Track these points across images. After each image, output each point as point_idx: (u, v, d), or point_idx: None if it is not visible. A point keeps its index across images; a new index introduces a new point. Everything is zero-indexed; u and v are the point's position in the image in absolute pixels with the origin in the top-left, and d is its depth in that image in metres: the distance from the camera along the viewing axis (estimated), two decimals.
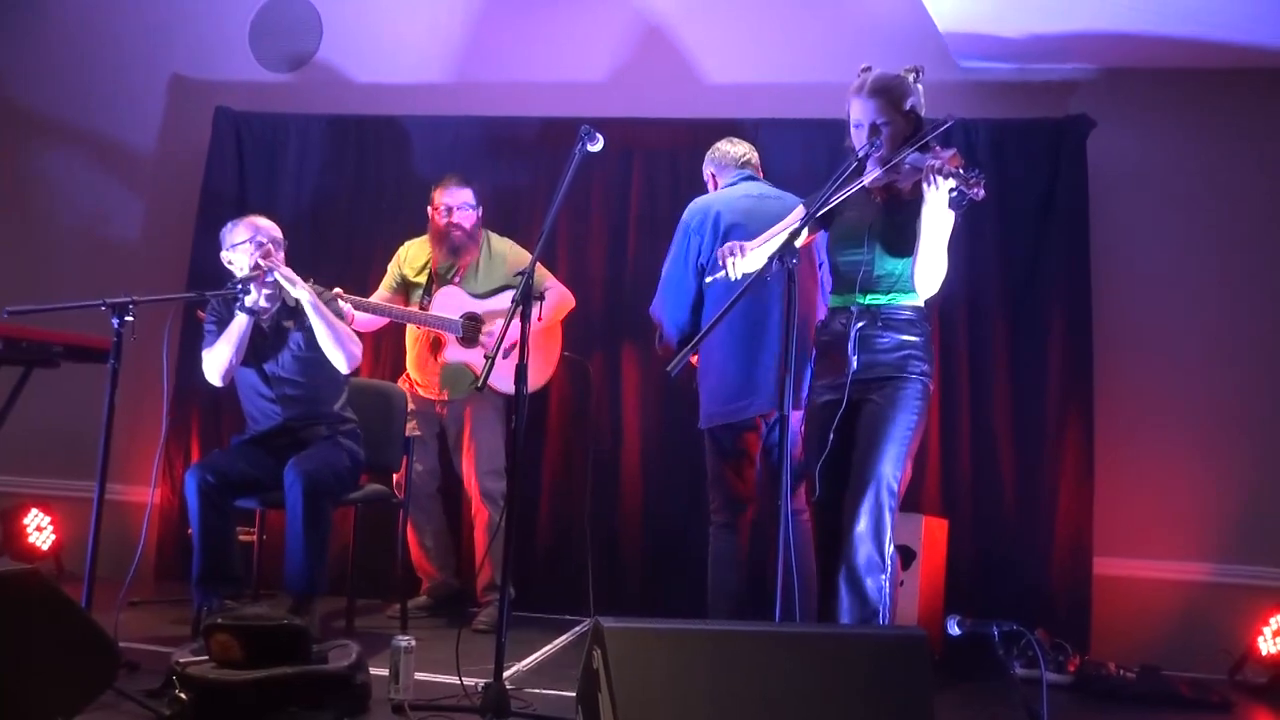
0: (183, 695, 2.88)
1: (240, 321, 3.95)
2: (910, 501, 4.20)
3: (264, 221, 4.11)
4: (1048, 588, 4.47)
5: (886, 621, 3.11)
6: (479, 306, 4.52)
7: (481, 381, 3.18)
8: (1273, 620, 4.25)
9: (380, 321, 4.66)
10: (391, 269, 4.69)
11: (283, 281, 3.97)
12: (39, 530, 5.14)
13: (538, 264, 4.58)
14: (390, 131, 5.25)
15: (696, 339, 3.10)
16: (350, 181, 5.25)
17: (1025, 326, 4.64)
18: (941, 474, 4.60)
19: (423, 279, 4.60)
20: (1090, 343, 4.57)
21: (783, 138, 4.86)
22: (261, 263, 3.95)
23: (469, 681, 3.17)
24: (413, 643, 3.18)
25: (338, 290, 4.31)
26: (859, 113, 3.22)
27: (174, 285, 5.02)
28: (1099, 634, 4.40)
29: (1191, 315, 4.68)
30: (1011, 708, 3.53)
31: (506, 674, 3.15)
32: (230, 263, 4.06)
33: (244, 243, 4.02)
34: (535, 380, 4.57)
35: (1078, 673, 4.03)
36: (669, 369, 2.94)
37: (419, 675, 3.24)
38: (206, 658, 2.98)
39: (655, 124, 5.02)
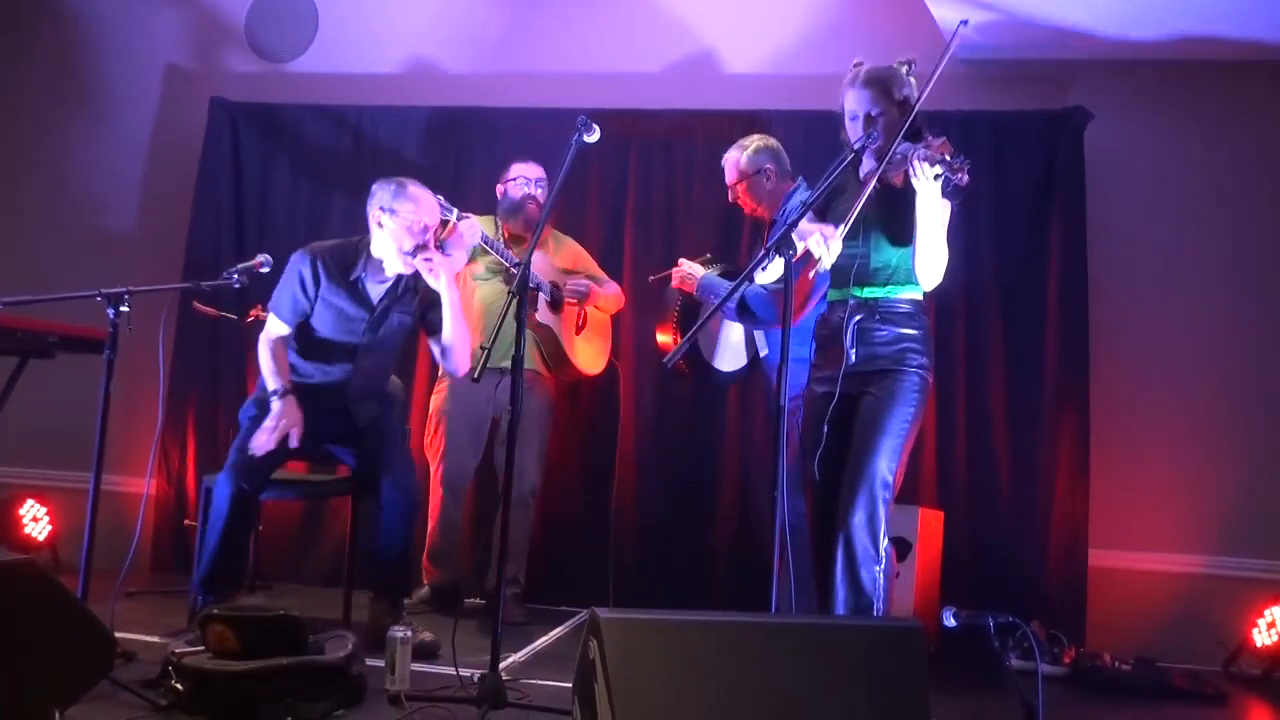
0: (178, 685, 2.88)
1: (274, 406, 3.76)
2: (907, 493, 4.21)
3: (430, 200, 3.85)
4: (1043, 580, 4.48)
5: (881, 613, 3.11)
6: (561, 280, 4.54)
7: (479, 372, 3.17)
8: (1267, 612, 4.26)
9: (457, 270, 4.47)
10: None
11: (444, 282, 3.80)
12: (35, 521, 5.13)
13: (592, 261, 4.69)
14: (386, 121, 5.24)
15: (695, 328, 3.09)
16: (346, 172, 5.23)
17: (1021, 319, 4.64)
18: (938, 466, 4.61)
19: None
20: (1086, 335, 4.57)
21: (784, 129, 4.85)
22: (422, 264, 3.77)
23: (465, 672, 3.17)
24: (410, 634, 3.18)
25: (478, 225, 4.25)
26: (853, 104, 3.22)
27: (170, 276, 5.01)
28: (1094, 626, 4.42)
29: (1187, 308, 4.69)
30: (1007, 699, 3.54)
31: (503, 665, 3.15)
32: (380, 224, 3.81)
33: (409, 218, 3.78)
34: (595, 366, 4.65)
35: (1073, 664, 4.04)
36: (666, 361, 2.94)
37: (415, 666, 3.25)
38: (202, 648, 2.98)
39: (651, 115, 5.01)
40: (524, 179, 4.54)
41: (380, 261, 3.86)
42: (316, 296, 3.84)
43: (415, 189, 3.83)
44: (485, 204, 4.72)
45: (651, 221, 4.99)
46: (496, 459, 4.56)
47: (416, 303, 3.97)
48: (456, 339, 3.87)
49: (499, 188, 4.62)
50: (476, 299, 4.50)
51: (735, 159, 4.18)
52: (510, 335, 4.22)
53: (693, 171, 4.93)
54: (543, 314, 4.44)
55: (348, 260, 3.88)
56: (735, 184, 4.18)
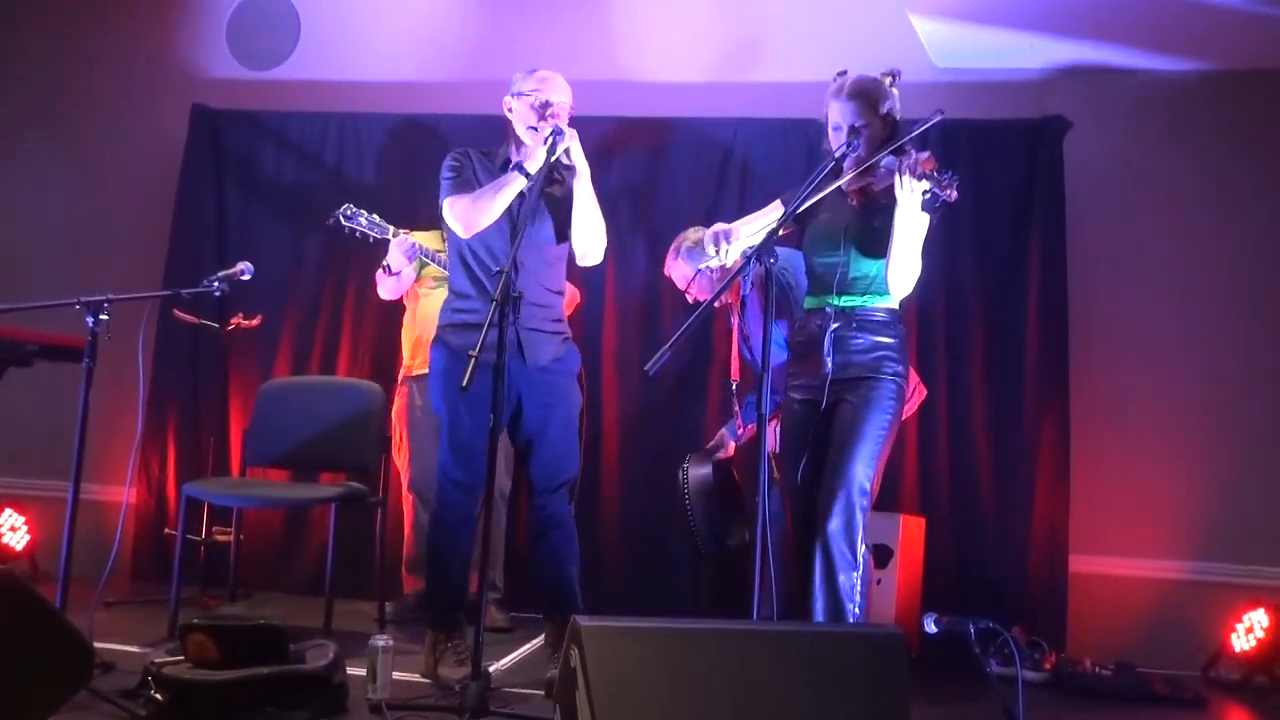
0: (158, 695, 2.87)
1: (516, 183, 3.43)
2: (888, 500, 4.22)
3: (557, 81, 3.65)
4: (1024, 586, 4.49)
5: (860, 619, 3.12)
6: None
7: (466, 381, 3.16)
8: (1246, 617, 4.29)
9: (405, 288, 4.54)
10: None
11: (576, 154, 3.49)
12: (13, 530, 5.10)
13: None
14: (368, 128, 5.23)
15: (674, 338, 3.08)
16: (329, 180, 5.22)
17: (1002, 326, 4.66)
18: (919, 472, 4.62)
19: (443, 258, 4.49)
20: (1066, 342, 4.59)
21: (761, 137, 4.88)
22: (547, 126, 3.45)
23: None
24: (391, 642, 3.17)
25: (404, 231, 4.25)
26: (837, 115, 3.24)
27: (150, 284, 4.98)
28: (1075, 631, 4.43)
29: (1166, 314, 4.71)
30: (988, 705, 3.55)
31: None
32: (510, 111, 3.63)
33: (531, 94, 3.57)
34: None
35: (1054, 670, 4.06)
36: (648, 368, 2.94)
37: (397, 675, 3.24)
38: (182, 658, 2.97)
39: (632, 122, 5.02)
40: None
41: (523, 151, 3.56)
42: (479, 183, 3.56)
43: (543, 71, 3.65)
44: None
45: (634, 228, 5.00)
46: None
47: (563, 193, 3.65)
48: (590, 216, 3.56)
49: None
50: (423, 308, 4.52)
51: (677, 269, 4.22)
52: None
53: (674, 179, 4.93)
54: None
55: (496, 152, 3.68)
56: (688, 288, 4.22)
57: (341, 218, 4.27)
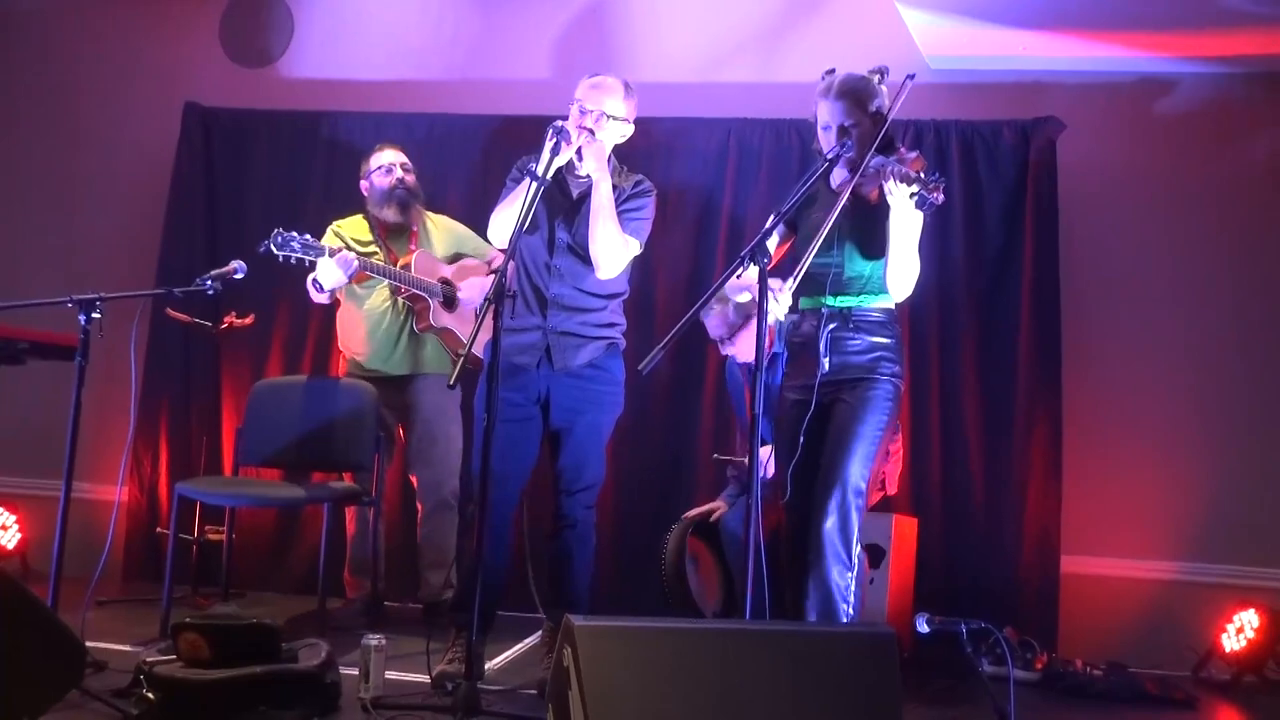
0: (150, 695, 2.86)
1: (527, 188, 3.33)
2: (880, 500, 4.23)
3: (594, 84, 3.59)
4: (1016, 586, 4.50)
5: (853, 619, 3.13)
6: (447, 271, 4.46)
7: (453, 379, 3.16)
8: (1236, 618, 4.30)
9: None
10: (330, 243, 4.34)
11: (590, 163, 3.48)
12: (4, 529, 5.08)
13: (473, 237, 4.57)
14: (361, 127, 5.21)
15: (668, 338, 3.08)
16: (321, 178, 5.21)
17: (994, 326, 4.67)
18: (911, 472, 4.62)
19: (373, 248, 4.45)
20: (1058, 344, 4.60)
21: (754, 137, 4.88)
22: (574, 130, 3.44)
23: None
24: (383, 641, 3.17)
25: (354, 255, 4.21)
26: (826, 115, 3.24)
27: (142, 282, 4.96)
28: (1066, 632, 4.44)
29: (1159, 316, 4.73)
30: (979, 705, 3.56)
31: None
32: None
33: (576, 99, 3.56)
34: None
35: (1045, 670, 4.07)
36: (641, 367, 2.94)
37: (389, 674, 3.24)
38: (174, 657, 2.96)
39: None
40: (384, 168, 4.48)
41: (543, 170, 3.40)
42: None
43: (599, 76, 3.62)
44: (464, 208, 4.74)
45: None
46: (414, 469, 4.49)
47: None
48: (594, 231, 3.47)
49: (363, 184, 4.55)
50: (370, 304, 4.44)
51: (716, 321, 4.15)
52: (401, 342, 4.36)
53: (670, 180, 4.93)
54: (438, 318, 4.36)
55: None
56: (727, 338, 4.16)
57: (273, 246, 4.10)
